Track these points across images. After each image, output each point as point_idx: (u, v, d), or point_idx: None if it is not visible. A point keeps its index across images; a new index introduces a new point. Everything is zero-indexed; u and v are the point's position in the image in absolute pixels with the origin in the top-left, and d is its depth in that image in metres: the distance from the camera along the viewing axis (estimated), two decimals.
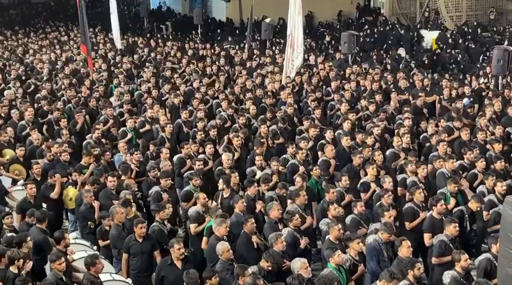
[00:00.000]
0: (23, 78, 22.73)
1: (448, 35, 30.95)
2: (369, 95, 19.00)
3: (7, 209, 12.83)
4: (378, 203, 11.69)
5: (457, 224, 10.36)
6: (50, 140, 15.65)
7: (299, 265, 9.20)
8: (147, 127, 16.74)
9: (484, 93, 19.31)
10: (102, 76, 22.96)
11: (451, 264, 9.61)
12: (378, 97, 18.44)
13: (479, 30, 31.55)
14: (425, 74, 22.60)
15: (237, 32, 36.17)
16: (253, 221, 10.68)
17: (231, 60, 26.15)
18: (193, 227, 11.55)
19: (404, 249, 9.70)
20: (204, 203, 11.73)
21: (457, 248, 10.05)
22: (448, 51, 28.60)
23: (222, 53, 27.45)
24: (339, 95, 18.94)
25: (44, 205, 12.77)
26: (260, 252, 10.37)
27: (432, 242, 10.57)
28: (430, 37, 31.31)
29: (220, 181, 12.45)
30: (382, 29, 33.72)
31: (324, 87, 20.97)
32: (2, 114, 17.83)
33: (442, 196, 11.63)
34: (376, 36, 32.74)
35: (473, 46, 28.71)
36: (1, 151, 15.17)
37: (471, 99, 18.61)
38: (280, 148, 15.49)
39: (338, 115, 17.37)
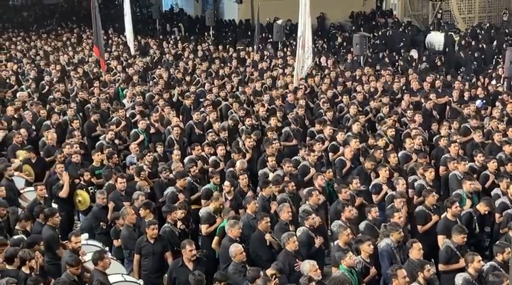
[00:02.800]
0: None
1: (461, 36, 30.83)
2: (377, 97, 19.00)
3: (19, 210, 12.93)
4: (390, 205, 11.67)
5: (465, 235, 10.24)
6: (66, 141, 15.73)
7: (308, 268, 9.18)
8: (152, 130, 16.78)
9: (500, 97, 19.18)
10: (119, 77, 23.05)
11: (459, 272, 9.55)
12: (386, 99, 18.37)
13: (492, 32, 31.39)
14: (438, 76, 22.52)
15: (249, 33, 36.17)
16: (268, 219, 10.71)
17: (243, 62, 26.19)
18: (204, 228, 11.61)
19: (415, 252, 9.66)
20: (217, 206, 11.74)
21: (463, 255, 10.01)
22: (460, 52, 28.48)
23: (234, 55, 27.50)
24: (348, 97, 18.91)
25: (56, 206, 12.82)
26: (273, 251, 10.41)
27: None
28: (441, 39, 31.11)
29: (227, 183, 12.47)
30: (394, 31, 33.64)
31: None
32: (15, 116, 17.91)
33: (457, 198, 11.60)
34: (384, 38, 32.65)
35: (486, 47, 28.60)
36: (15, 153, 15.25)
37: (484, 101, 18.52)
38: (293, 149, 15.50)
39: (347, 118, 17.34)
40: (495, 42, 28.65)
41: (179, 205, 11.69)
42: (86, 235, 11.91)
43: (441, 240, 10.77)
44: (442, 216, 11.26)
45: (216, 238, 11.11)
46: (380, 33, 33.50)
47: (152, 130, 16.79)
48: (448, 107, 18.67)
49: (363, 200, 12.37)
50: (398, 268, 9.09)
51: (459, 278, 9.21)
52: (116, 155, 14.53)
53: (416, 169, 13.18)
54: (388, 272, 9.29)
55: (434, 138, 15.90)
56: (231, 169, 13.77)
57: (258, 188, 13.08)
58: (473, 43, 29.41)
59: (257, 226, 10.78)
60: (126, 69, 24.69)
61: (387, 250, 10.17)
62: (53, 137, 15.76)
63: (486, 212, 11.57)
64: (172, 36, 36.78)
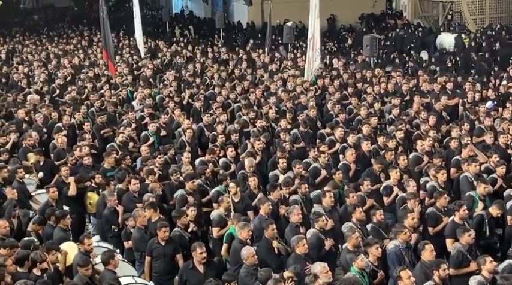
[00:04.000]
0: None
1: (470, 38, 30.72)
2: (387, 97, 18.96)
3: (31, 212, 12.98)
4: (402, 206, 11.62)
5: (471, 232, 10.22)
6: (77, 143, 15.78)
7: (319, 269, 9.13)
8: (163, 132, 16.80)
9: (511, 98, 19.09)
10: (126, 80, 23.11)
11: (469, 276, 9.50)
12: (397, 101, 18.31)
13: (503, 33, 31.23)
14: (449, 77, 22.42)
15: (259, 35, 36.18)
16: (274, 226, 10.64)
17: (253, 64, 26.21)
18: (215, 231, 11.60)
19: (428, 253, 9.64)
20: (227, 207, 11.75)
21: (474, 257, 9.96)
22: (472, 53, 28.38)
23: (244, 57, 27.51)
24: (357, 99, 18.85)
25: (67, 208, 12.84)
26: (281, 257, 10.37)
27: None
28: (451, 40, 31.01)
29: (232, 184, 12.43)
30: (404, 32, 33.55)
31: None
32: (26, 118, 17.97)
33: (465, 201, 11.54)
34: (394, 40, 32.58)
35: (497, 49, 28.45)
36: (26, 155, 15.32)
37: (495, 102, 18.43)
38: (301, 152, 15.47)
39: (359, 120, 17.30)
40: (497, 44, 28.52)
41: (189, 204, 11.71)
42: (96, 237, 11.95)
43: (449, 243, 10.71)
44: (450, 219, 11.19)
45: (224, 245, 11.08)
46: (390, 34, 33.43)
47: (163, 133, 16.80)
48: (461, 108, 18.52)
49: (373, 202, 12.34)
50: (402, 269, 9.07)
51: (473, 281, 9.12)
52: (128, 157, 14.55)
53: (429, 170, 13.13)
54: (393, 275, 9.26)
55: (445, 140, 15.82)
56: (242, 171, 13.78)
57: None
58: (483, 44, 29.29)
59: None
60: (135, 72, 24.75)
61: (396, 252, 10.14)
62: (63, 140, 15.79)
63: (499, 215, 11.51)
64: (182, 39, 36.81)
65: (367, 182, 12.60)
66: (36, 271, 9.53)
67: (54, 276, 9.72)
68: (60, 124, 17.12)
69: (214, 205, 12.48)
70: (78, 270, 9.65)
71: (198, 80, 22.81)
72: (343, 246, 10.40)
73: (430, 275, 9.32)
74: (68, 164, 14.37)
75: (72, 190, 13.16)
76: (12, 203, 12.00)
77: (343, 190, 12.73)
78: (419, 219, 11.57)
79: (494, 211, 11.47)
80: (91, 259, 10.19)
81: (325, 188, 12.29)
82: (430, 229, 11.56)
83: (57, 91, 21.89)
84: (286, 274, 9.28)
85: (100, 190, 13.33)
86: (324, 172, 13.67)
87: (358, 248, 10.07)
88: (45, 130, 17.24)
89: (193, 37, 38.00)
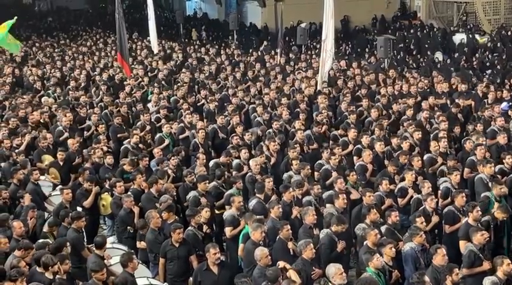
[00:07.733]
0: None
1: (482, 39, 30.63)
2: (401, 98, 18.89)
3: (46, 214, 13.03)
4: (422, 208, 11.56)
5: (484, 232, 10.18)
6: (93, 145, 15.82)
7: (333, 271, 9.06)
8: (187, 133, 16.80)
9: None
10: (141, 82, 23.15)
11: (482, 275, 9.45)
12: (411, 102, 18.25)
13: None
14: (463, 78, 22.30)
15: (269, 38, 36.17)
16: (289, 227, 10.62)
17: (266, 65, 26.19)
18: (228, 231, 11.60)
19: (439, 258, 9.55)
20: (239, 206, 11.75)
21: (486, 257, 9.91)
22: (486, 54, 28.25)
23: (253, 58, 27.50)
24: (368, 100, 18.78)
25: (80, 209, 12.87)
26: (296, 258, 10.37)
27: None
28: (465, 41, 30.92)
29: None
30: (418, 33, 33.45)
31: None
32: (42, 121, 18.04)
33: (480, 202, 11.47)
34: (408, 40, 32.48)
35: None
36: (40, 157, 15.39)
37: (510, 104, 18.30)
38: (315, 153, 15.45)
39: (370, 121, 17.23)
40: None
41: (202, 206, 11.72)
42: (111, 239, 11.98)
43: (463, 245, 10.61)
44: (464, 221, 11.13)
45: (241, 245, 11.05)
46: (402, 34, 33.35)
47: (187, 133, 16.74)
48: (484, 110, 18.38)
49: (392, 202, 12.29)
50: (424, 274, 9.02)
51: (487, 281, 9.06)
52: (146, 159, 14.53)
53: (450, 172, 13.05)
54: (413, 280, 9.16)
55: (462, 140, 15.70)
56: (250, 173, 13.79)
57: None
58: (498, 45, 29.16)
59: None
60: (149, 74, 24.80)
61: (411, 254, 10.14)
62: (74, 142, 15.76)
63: (504, 219, 11.42)
64: (196, 41, 36.90)
65: (385, 181, 12.55)
66: (48, 274, 9.55)
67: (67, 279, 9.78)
68: (60, 128, 17.11)
69: (227, 207, 12.50)
70: (92, 275, 9.66)
71: (211, 82, 22.83)
72: (364, 244, 10.35)
73: (440, 279, 9.25)
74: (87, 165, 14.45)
75: (87, 203, 13.07)
76: (28, 207, 12.03)
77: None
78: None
79: (499, 215, 11.35)
80: (105, 260, 10.23)
81: (337, 189, 12.24)
82: (446, 227, 11.52)
83: (72, 93, 21.94)
84: (288, 274, 9.29)
85: (114, 192, 13.38)
86: (334, 174, 13.60)
87: (377, 246, 10.04)
88: None
89: (208, 38, 38.07)
